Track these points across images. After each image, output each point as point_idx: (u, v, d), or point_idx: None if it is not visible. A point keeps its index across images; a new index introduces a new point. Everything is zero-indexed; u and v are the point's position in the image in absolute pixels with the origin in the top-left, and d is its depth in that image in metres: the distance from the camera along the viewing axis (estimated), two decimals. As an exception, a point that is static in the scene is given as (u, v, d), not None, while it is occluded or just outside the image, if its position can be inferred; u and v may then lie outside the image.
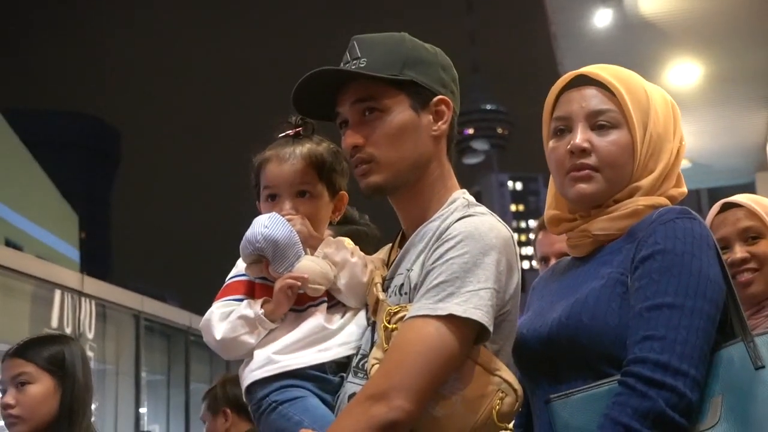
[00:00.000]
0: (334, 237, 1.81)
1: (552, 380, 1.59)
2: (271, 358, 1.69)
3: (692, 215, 1.57)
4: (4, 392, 2.54)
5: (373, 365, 1.58)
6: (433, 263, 1.58)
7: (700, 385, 1.44)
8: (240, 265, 1.80)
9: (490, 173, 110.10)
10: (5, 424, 2.52)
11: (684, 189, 1.73)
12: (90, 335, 7.86)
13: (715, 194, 10.09)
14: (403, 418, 1.47)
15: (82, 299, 7.73)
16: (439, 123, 1.71)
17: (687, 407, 1.41)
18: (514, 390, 1.54)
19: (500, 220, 1.65)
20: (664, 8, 6.25)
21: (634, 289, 1.52)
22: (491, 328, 1.54)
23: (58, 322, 7.25)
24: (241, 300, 1.74)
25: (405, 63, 1.68)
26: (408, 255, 1.68)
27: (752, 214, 2.18)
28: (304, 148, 1.81)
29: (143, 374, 9.51)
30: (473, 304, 1.52)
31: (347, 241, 1.79)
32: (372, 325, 1.70)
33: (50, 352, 2.56)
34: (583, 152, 1.65)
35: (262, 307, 1.71)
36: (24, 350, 2.56)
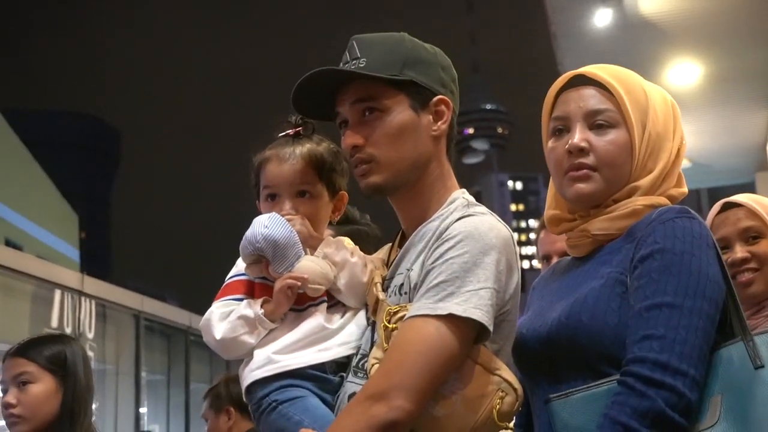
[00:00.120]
0: (334, 237, 1.81)
1: (552, 380, 1.59)
2: (271, 357, 1.69)
3: (692, 215, 1.56)
4: (6, 392, 2.54)
5: (373, 365, 1.58)
6: (432, 263, 1.58)
7: (699, 385, 1.43)
8: (240, 265, 1.79)
9: (490, 173, 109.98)
10: (6, 423, 2.52)
11: (684, 189, 1.72)
12: (90, 335, 7.84)
13: (715, 194, 10.10)
14: (403, 417, 1.47)
15: (82, 299, 7.71)
16: (439, 123, 1.71)
17: (686, 407, 1.41)
18: (515, 389, 1.54)
19: (500, 219, 1.65)
20: (664, 8, 6.25)
21: (634, 288, 1.52)
22: (491, 328, 1.54)
23: (58, 322, 7.23)
24: (240, 300, 1.74)
25: (405, 63, 1.68)
26: (408, 255, 1.68)
27: (753, 213, 2.17)
28: (304, 148, 1.81)
29: (143, 374, 9.49)
30: (473, 303, 1.52)
31: (347, 241, 1.79)
32: (372, 324, 1.70)
33: (52, 351, 2.56)
34: (581, 152, 1.65)
35: (261, 306, 1.71)
36: (25, 350, 2.56)
